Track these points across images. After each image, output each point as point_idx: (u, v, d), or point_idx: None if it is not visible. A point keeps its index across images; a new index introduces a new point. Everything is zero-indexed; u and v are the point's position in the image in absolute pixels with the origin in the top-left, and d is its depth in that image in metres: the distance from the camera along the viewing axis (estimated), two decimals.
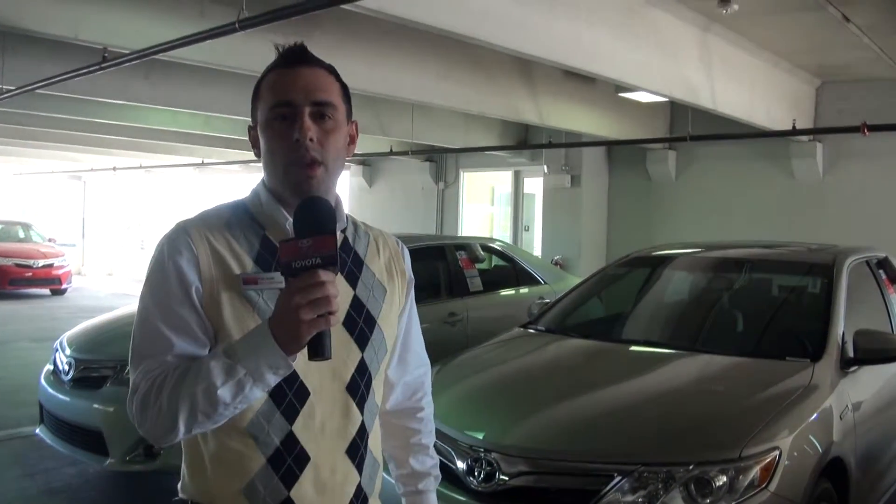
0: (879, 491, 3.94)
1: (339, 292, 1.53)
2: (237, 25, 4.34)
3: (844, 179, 9.37)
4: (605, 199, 11.44)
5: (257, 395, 1.44)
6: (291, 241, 1.37)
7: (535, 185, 12.86)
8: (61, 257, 16.55)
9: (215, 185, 19.03)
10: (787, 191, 9.75)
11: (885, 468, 3.99)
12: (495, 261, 7.82)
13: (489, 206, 14.98)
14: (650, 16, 6.15)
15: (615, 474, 2.87)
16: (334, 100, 1.58)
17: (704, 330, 4.46)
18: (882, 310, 4.53)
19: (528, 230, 13.30)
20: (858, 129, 7.27)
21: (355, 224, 1.74)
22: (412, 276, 1.82)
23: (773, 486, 2.88)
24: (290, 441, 1.53)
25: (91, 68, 5.66)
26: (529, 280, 7.50)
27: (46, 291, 16.35)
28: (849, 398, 3.57)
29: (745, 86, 7.69)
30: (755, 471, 2.86)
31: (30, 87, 6.56)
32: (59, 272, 16.23)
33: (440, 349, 3.68)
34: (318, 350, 1.39)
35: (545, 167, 11.27)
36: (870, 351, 3.68)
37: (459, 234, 12.65)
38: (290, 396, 1.52)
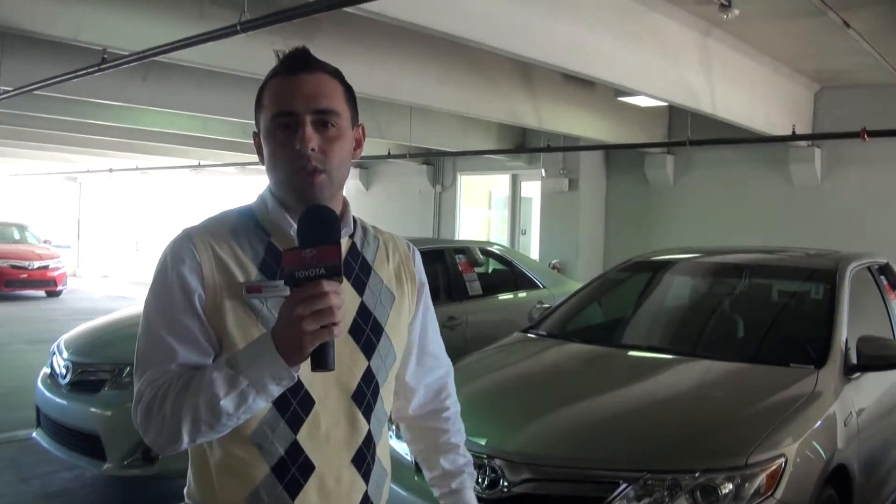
0: (882, 498, 3.93)
1: (346, 300, 1.52)
2: (239, 27, 4.32)
3: (842, 185, 9.38)
4: (603, 204, 11.44)
5: (261, 406, 1.43)
6: (294, 251, 1.36)
7: (532, 189, 12.86)
8: (57, 259, 16.52)
9: (211, 188, 18.98)
10: (785, 196, 9.75)
11: (887, 475, 3.98)
12: (494, 265, 7.81)
13: (486, 209, 14.98)
14: (651, 20, 6.15)
15: (620, 482, 2.85)
16: (337, 106, 1.55)
17: (708, 336, 4.45)
18: (883, 316, 4.53)
19: (525, 234, 13.30)
20: (858, 135, 7.27)
21: (365, 228, 1.72)
22: (424, 279, 1.80)
23: (778, 494, 2.86)
24: (295, 450, 1.51)
25: (90, 70, 5.63)
26: (528, 284, 7.49)
27: (42, 293, 16.31)
28: (852, 405, 3.56)
29: (745, 90, 7.69)
30: (761, 478, 2.85)
31: (28, 88, 6.53)
32: (55, 274, 16.20)
33: None
34: (322, 361, 1.37)
35: (543, 171, 11.27)
36: (873, 357, 3.67)
37: (457, 238, 12.64)
38: (294, 405, 1.51)
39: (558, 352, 4.40)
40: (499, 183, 13.93)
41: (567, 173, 11.01)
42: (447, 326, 6.29)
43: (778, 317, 4.60)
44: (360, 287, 1.62)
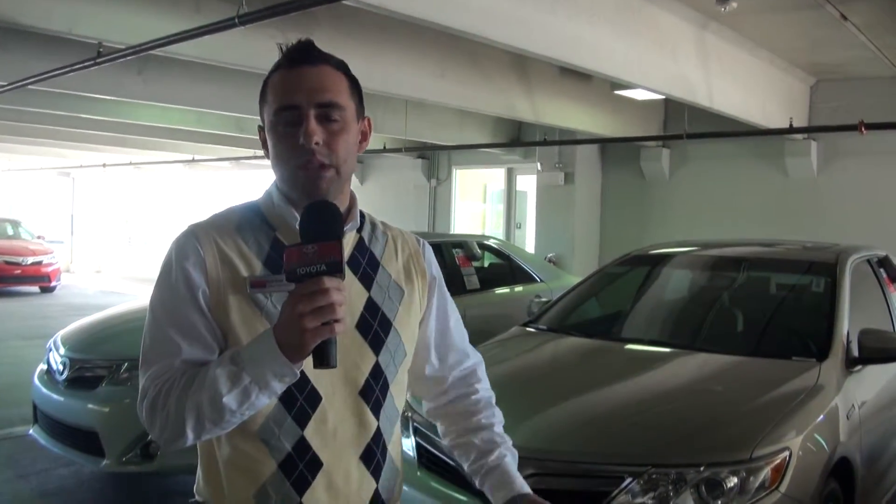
0: (883, 489, 3.94)
1: (353, 295, 1.51)
2: (237, 20, 4.30)
3: (838, 177, 9.39)
4: (599, 197, 11.43)
5: (264, 402, 1.42)
6: (296, 247, 1.35)
7: (527, 183, 12.86)
8: (50, 254, 16.48)
9: (205, 183, 18.93)
10: (781, 189, 9.77)
11: (888, 467, 3.99)
12: (491, 259, 7.80)
13: (481, 203, 14.96)
14: (650, 13, 6.15)
15: (625, 476, 2.84)
16: (341, 99, 1.52)
17: (709, 329, 4.44)
18: (883, 308, 4.54)
19: (520, 228, 13.29)
20: (856, 128, 7.28)
21: (373, 224, 1.71)
22: (436, 273, 1.77)
23: (783, 488, 2.86)
24: (302, 446, 1.50)
25: (86, 63, 5.60)
26: (526, 278, 7.48)
27: (35, 289, 16.27)
28: (854, 398, 3.56)
29: (742, 84, 7.69)
30: (766, 472, 2.84)
31: (22, 83, 6.50)
32: (49, 269, 16.16)
33: None
34: (323, 358, 1.36)
35: (539, 164, 11.25)
36: (875, 350, 3.67)
37: (452, 232, 12.62)
38: (300, 401, 1.50)
39: (559, 346, 4.39)
40: (494, 177, 13.92)
41: (563, 167, 10.99)
42: None
43: (779, 310, 4.60)
44: (367, 282, 1.61)
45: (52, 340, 5.36)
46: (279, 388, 1.40)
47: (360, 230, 1.65)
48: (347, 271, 1.48)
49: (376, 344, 1.58)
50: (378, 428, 1.58)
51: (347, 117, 1.53)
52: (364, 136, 1.62)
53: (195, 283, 1.48)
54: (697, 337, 4.35)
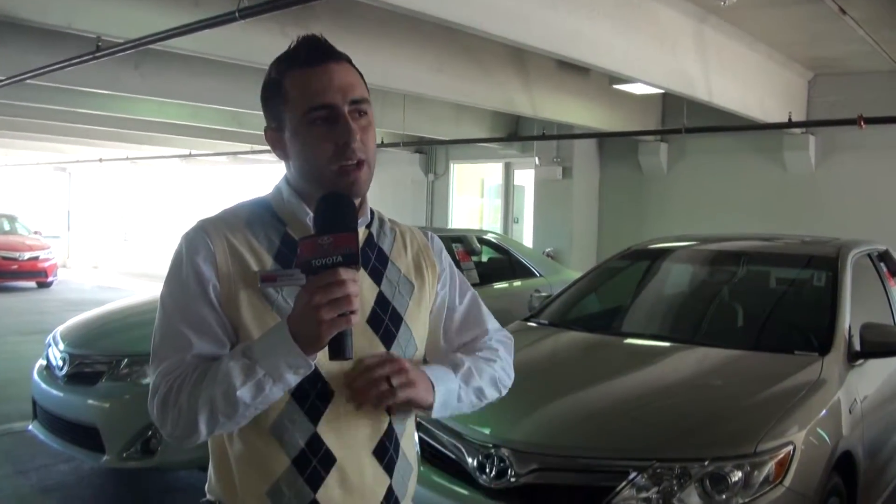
0: (885, 483, 3.95)
1: (363, 290, 1.50)
2: (237, 14, 4.28)
3: (836, 172, 9.40)
4: (597, 192, 11.43)
5: (278, 395, 1.42)
6: (311, 239, 1.34)
7: (524, 177, 12.85)
8: (47, 250, 16.46)
9: (201, 177, 18.88)
10: (779, 183, 9.77)
11: (888, 460, 4.00)
12: (490, 253, 7.79)
13: (479, 198, 14.95)
14: (649, 8, 6.14)
15: (630, 471, 2.84)
16: (366, 94, 1.55)
17: (711, 323, 4.45)
18: (884, 302, 4.54)
19: (517, 222, 13.29)
20: (855, 122, 7.28)
21: (381, 220, 1.71)
22: (446, 265, 1.76)
23: (787, 482, 2.86)
24: (315, 442, 1.49)
25: (85, 58, 5.57)
26: (525, 272, 7.48)
27: (32, 284, 16.26)
28: (857, 392, 3.56)
29: (740, 78, 7.69)
30: (770, 466, 2.85)
31: (20, 78, 6.47)
32: (45, 265, 16.15)
33: None
34: (339, 350, 1.36)
35: (537, 159, 11.25)
36: (877, 344, 3.68)
37: (450, 227, 12.61)
38: (312, 397, 1.49)
39: (560, 340, 4.38)
40: (492, 171, 13.91)
41: (561, 161, 10.99)
42: None
43: (780, 304, 4.60)
44: (377, 277, 1.61)
45: (51, 336, 5.34)
46: (293, 380, 1.39)
47: (369, 226, 1.65)
48: None
49: (387, 339, 1.58)
50: (390, 423, 1.57)
51: (371, 112, 1.56)
52: None
53: (206, 277, 1.48)
54: (699, 331, 4.35)
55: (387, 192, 14.10)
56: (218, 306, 1.48)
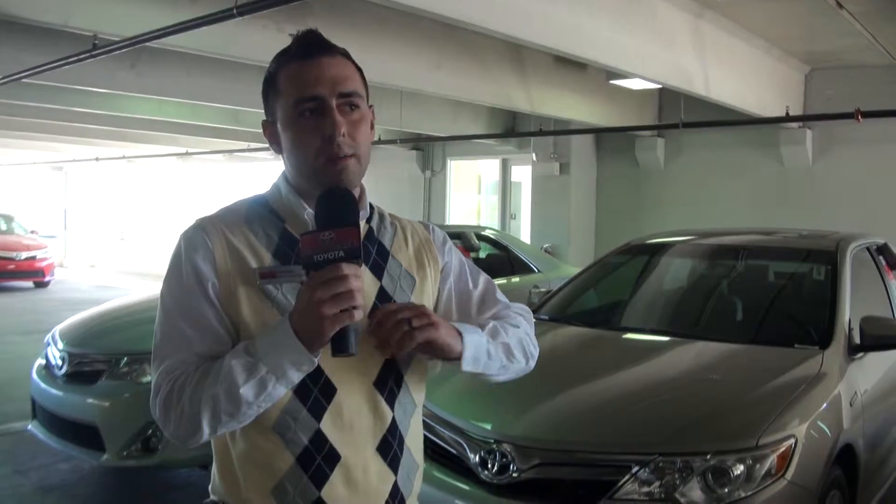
0: (885, 475, 3.96)
1: (365, 284, 1.49)
2: (235, 11, 4.27)
3: (834, 166, 9.42)
4: (594, 187, 11.44)
5: (281, 393, 1.41)
6: (313, 234, 1.34)
7: (521, 174, 12.86)
8: (44, 249, 16.42)
9: (198, 176, 18.85)
10: (776, 178, 9.79)
11: (889, 453, 4.01)
12: (490, 249, 7.79)
13: (476, 194, 14.95)
14: (647, 3, 6.16)
15: (632, 465, 2.84)
16: (359, 88, 1.54)
17: (711, 318, 4.45)
18: (883, 295, 4.55)
19: (514, 218, 13.30)
20: (852, 116, 7.29)
21: (381, 215, 1.70)
22: (449, 257, 1.75)
23: (789, 475, 2.87)
24: (319, 439, 1.48)
25: (82, 56, 5.55)
26: (524, 268, 7.49)
27: (30, 284, 16.23)
28: (857, 385, 3.57)
29: (737, 73, 7.70)
30: (772, 459, 2.85)
31: (16, 76, 6.45)
32: (43, 264, 16.12)
33: None
34: (342, 346, 1.35)
35: (534, 155, 11.26)
36: (877, 337, 3.67)
37: (447, 223, 12.61)
38: (315, 393, 1.48)
39: (561, 335, 4.37)
40: (489, 168, 13.91)
41: (558, 157, 10.99)
42: None
43: (780, 298, 4.61)
44: (378, 272, 1.60)
45: (49, 335, 5.32)
46: (296, 377, 1.38)
47: (369, 220, 1.64)
48: None
49: None
50: (394, 419, 1.56)
51: (364, 106, 1.55)
52: (371, 125, 1.62)
53: (204, 275, 1.47)
54: (699, 325, 4.36)
55: (384, 189, 14.07)
56: (218, 304, 1.47)
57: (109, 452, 4.58)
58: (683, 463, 2.83)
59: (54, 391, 4.94)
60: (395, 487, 1.57)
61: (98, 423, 4.65)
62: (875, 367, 3.90)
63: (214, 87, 8.02)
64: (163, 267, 1.56)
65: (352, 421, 1.51)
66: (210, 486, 1.61)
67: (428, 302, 1.67)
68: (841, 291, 3.94)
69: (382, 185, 14.18)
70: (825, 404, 3.26)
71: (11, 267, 15.58)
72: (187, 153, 15.86)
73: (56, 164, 21.44)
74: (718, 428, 3.05)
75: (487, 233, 8.01)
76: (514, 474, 2.99)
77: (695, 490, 2.79)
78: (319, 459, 1.48)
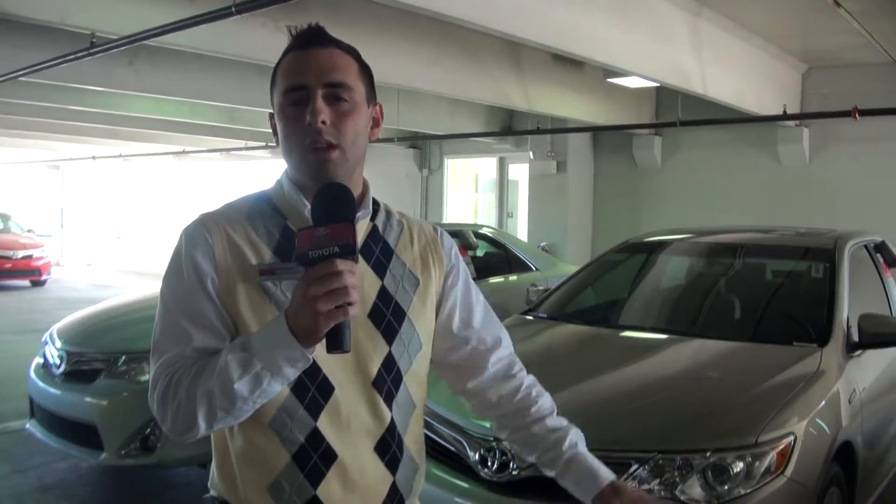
0: (883, 472, 3.97)
1: (366, 283, 1.50)
2: (234, 9, 4.27)
3: (830, 164, 9.43)
4: (591, 186, 11.44)
5: (276, 389, 1.40)
6: (308, 230, 1.33)
7: (518, 172, 12.86)
8: (41, 248, 16.39)
9: (194, 174, 18.83)
10: (773, 176, 9.79)
11: (887, 450, 4.01)
12: (487, 248, 7.79)
13: (473, 192, 14.95)
14: (645, 1, 6.15)
15: (632, 462, 2.85)
16: (349, 80, 1.51)
17: (709, 316, 4.45)
18: (881, 293, 4.56)
19: (511, 217, 13.30)
20: (849, 114, 7.30)
21: (388, 212, 1.69)
22: (455, 261, 1.74)
23: (788, 472, 2.87)
24: (316, 437, 1.48)
25: (79, 54, 5.54)
26: (521, 267, 7.49)
27: (26, 283, 16.19)
28: (855, 382, 3.57)
29: (735, 71, 7.71)
30: (771, 457, 2.85)
31: (13, 74, 6.43)
32: (39, 263, 16.08)
33: None
34: (337, 342, 1.34)
35: (531, 153, 11.26)
36: (875, 335, 3.68)
37: (444, 221, 12.61)
38: (312, 391, 1.48)
39: (559, 333, 4.38)
40: (486, 166, 13.92)
41: (555, 155, 10.99)
42: None
43: (778, 295, 4.62)
44: (380, 271, 1.59)
45: (47, 334, 5.31)
46: (292, 374, 1.37)
47: (373, 218, 1.63)
48: (360, 260, 1.45)
49: (389, 334, 1.56)
50: (392, 419, 1.56)
51: (356, 99, 1.52)
52: (376, 123, 1.62)
53: (204, 271, 1.47)
54: (697, 323, 4.36)
55: (381, 188, 13.76)
56: (217, 300, 1.47)
57: (108, 451, 4.57)
58: (683, 461, 2.83)
59: (52, 390, 4.93)
60: (394, 488, 1.57)
61: (96, 421, 4.64)
62: (873, 365, 3.91)
63: (212, 85, 8.02)
64: (160, 266, 1.56)
65: (349, 420, 1.51)
66: (209, 482, 1.61)
67: (430, 303, 1.66)
68: (839, 289, 3.95)
69: (379, 184, 13.88)
70: (824, 402, 3.27)
71: (8, 266, 15.55)
72: (184, 152, 15.83)
73: (53, 162, 21.39)
74: (718, 425, 3.05)
75: (485, 231, 8.00)
76: (514, 472, 2.99)
77: (694, 487, 2.79)
78: (316, 458, 1.48)
